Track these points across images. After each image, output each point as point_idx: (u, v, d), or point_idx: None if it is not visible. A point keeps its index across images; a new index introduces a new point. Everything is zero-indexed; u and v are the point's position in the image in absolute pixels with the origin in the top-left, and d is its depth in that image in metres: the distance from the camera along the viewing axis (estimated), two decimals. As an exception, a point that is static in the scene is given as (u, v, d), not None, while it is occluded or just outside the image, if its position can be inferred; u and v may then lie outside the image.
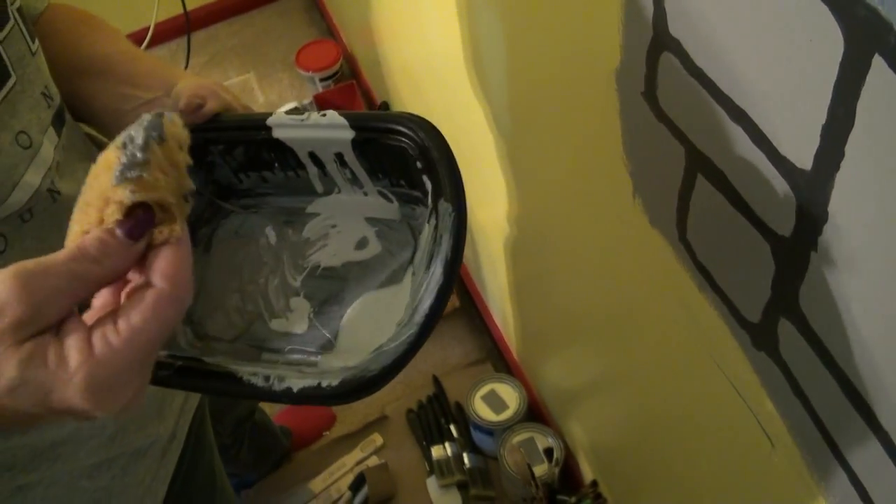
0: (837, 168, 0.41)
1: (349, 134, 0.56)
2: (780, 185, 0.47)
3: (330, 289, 0.58)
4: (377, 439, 1.74)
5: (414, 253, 0.58)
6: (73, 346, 0.38)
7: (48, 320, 0.38)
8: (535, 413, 1.63)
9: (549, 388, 1.54)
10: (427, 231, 0.53)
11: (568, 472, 1.54)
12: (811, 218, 0.45)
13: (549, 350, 1.43)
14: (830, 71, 0.38)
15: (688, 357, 0.73)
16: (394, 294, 0.56)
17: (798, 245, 0.47)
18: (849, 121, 0.38)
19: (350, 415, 1.80)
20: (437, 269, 0.47)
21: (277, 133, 0.59)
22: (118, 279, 0.41)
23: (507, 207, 1.19)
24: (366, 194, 0.61)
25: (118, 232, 0.40)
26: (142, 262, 0.41)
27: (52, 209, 0.58)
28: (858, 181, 0.40)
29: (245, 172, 0.64)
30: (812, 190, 0.44)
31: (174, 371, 0.51)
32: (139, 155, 0.40)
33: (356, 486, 1.65)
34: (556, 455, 1.48)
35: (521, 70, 0.86)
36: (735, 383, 0.64)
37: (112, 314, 0.39)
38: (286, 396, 0.48)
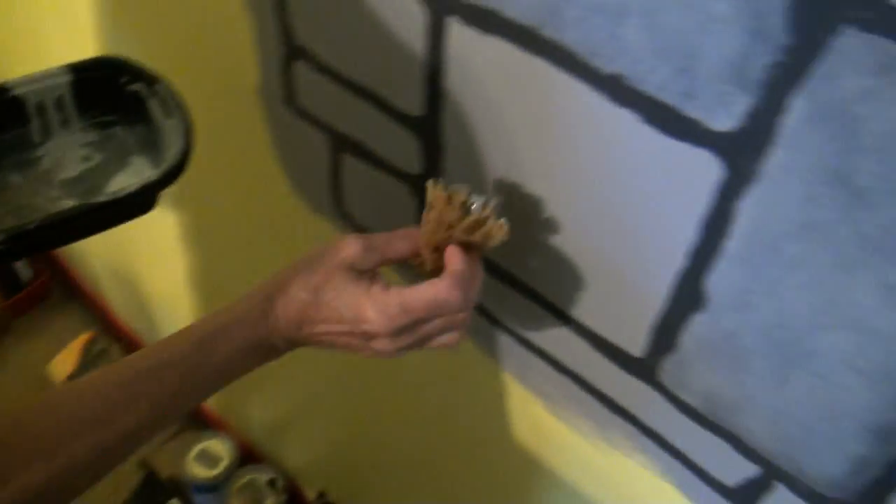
0: (441, 110, 0.61)
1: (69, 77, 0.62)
2: (406, 137, 0.65)
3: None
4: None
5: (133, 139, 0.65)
6: None
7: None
8: (250, 455, 1.68)
9: (257, 426, 1.61)
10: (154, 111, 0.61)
11: (296, 495, 1.62)
12: (432, 158, 0.65)
13: (245, 390, 1.50)
14: (418, 40, 0.58)
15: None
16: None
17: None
18: (438, 65, 0.58)
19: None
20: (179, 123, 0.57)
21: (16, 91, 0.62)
22: None
23: (184, 262, 1.25)
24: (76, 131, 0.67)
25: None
26: None
27: None
28: (457, 119, 0.60)
29: None
30: (424, 130, 0.63)
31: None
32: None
33: None
34: (279, 484, 1.58)
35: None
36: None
37: None
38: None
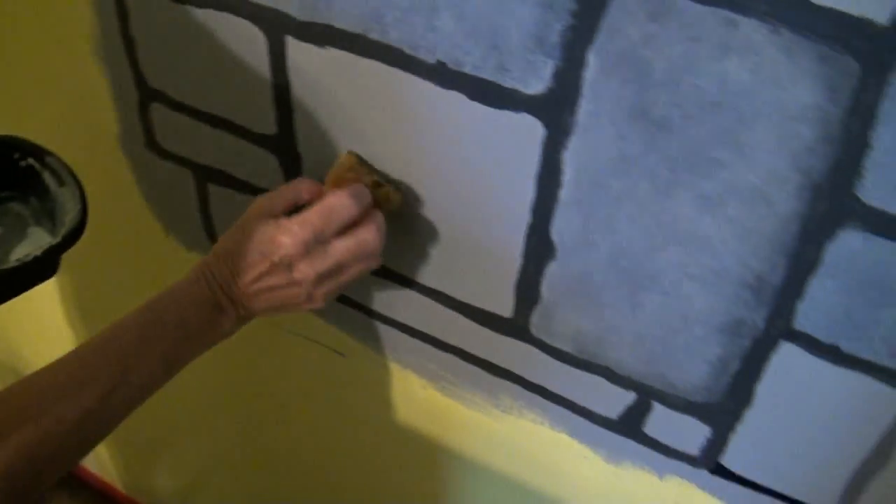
0: (293, 124, 0.66)
1: None
2: (265, 156, 0.70)
3: None
4: None
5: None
6: None
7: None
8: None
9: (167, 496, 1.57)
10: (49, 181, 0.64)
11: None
12: (292, 171, 0.69)
13: (148, 462, 1.47)
14: (262, 63, 0.63)
15: (264, 346, 0.92)
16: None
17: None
18: (284, 83, 0.64)
19: None
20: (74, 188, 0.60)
21: None
22: None
23: (70, 335, 1.23)
24: None
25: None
26: None
27: None
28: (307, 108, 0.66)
29: None
30: (281, 146, 0.68)
31: None
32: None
33: None
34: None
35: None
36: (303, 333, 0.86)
37: None
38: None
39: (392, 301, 0.74)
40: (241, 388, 1.03)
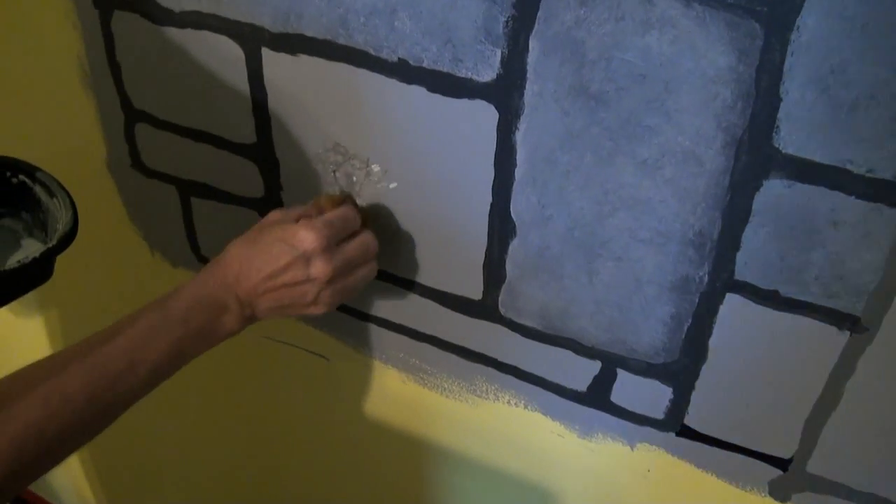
0: (271, 131, 0.72)
1: None
2: (245, 165, 0.76)
3: None
4: None
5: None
6: None
7: None
8: None
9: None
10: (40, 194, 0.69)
11: None
12: (270, 176, 0.75)
13: (143, 480, 1.48)
14: (240, 76, 0.69)
15: (247, 360, 0.96)
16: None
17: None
18: (261, 93, 0.69)
19: None
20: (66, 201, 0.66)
21: None
22: None
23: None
24: None
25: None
26: None
27: None
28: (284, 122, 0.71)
29: None
30: (259, 154, 0.74)
31: None
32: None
33: None
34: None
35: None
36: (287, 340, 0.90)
37: None
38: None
39: (368, 296, 0.79)
40: (223, 403, 1.06)
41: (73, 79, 0.80)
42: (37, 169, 0.69)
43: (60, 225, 0.67)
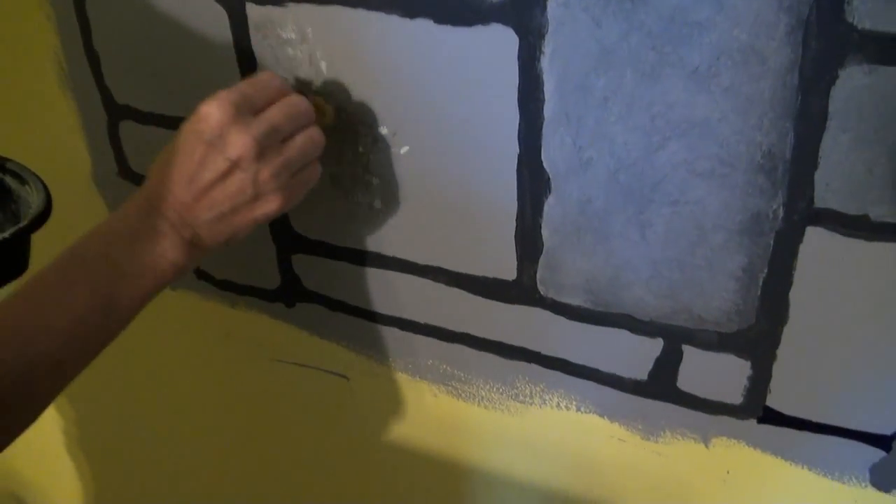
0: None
1: None
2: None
3: None
4: None
5: None
6: None
7: None
8: None
9: None
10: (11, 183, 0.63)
11: None
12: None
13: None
14: (226, 44, 0.62)
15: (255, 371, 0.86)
16: None
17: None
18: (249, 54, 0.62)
19: None
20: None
21: None
22: None
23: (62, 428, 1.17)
24: None
25: None
26: None
27: None
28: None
29: None
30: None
31: None
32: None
33: None
34: None
35: None
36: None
37: None
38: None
39: (390, 293, 0.70)
40: (234, 436, 0.96)
41: (51, 80, 0.74)
42: (6, 159, 0.63)
43: (34, 207, 0.59)
